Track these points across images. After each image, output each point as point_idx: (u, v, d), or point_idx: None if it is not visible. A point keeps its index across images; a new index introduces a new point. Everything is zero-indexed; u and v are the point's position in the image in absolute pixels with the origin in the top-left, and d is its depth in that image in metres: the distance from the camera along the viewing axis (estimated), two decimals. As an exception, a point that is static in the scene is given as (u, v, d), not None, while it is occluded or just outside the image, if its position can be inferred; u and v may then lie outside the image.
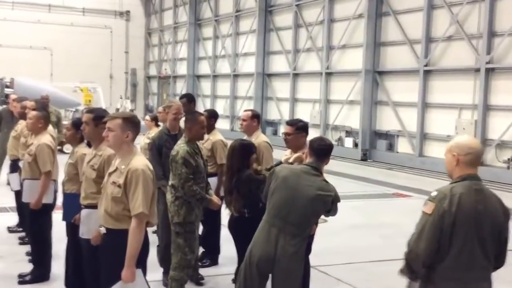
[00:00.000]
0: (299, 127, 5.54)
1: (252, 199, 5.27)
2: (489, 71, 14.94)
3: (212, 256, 6.98)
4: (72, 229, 5.45)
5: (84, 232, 4.82)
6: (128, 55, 33.55)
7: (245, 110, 6.66)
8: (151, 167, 4.18)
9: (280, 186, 4.45)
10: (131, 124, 4.20)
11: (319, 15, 20.65)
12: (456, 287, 3.33)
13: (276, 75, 23.40)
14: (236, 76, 25.82)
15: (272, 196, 4.48)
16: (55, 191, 6.36)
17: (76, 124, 5.64)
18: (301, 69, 21.79)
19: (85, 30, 30.99)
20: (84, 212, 4.88)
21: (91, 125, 4.93)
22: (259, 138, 6.29)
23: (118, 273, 3.99)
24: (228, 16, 26.29)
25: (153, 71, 33.73)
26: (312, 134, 8.64)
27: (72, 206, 5.47)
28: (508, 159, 14.56)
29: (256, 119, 6.50)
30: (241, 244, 5.27)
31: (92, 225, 4.72)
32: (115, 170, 4.19)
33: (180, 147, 5.54)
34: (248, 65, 24.70)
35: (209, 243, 6.97)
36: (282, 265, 4.38)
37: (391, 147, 18.20)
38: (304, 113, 20.59)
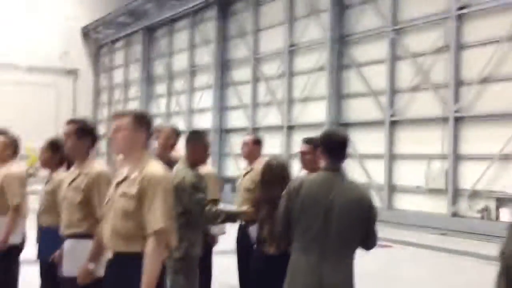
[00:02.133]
0: (316, 145, 4.84)
1: None
2: (458, 120, 14.78)
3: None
4: (49, 270, 4.50)
5: (68, 268, 3.89)
6: (76, 113, 32.38)
7: (247, 135, 5.95)
8: (170, 175, 3.37)
9: (306, 202, 3.63)
10: (145, 122, 3.41)
11: (278, 68, 20.37)
12: None
13: (234, 130, 22.80)
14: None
15: (299, 217, 3.65)
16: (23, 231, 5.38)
17: (53, 145, 4.77)
18: (260, 123, 21.29)
19: (30, 89, 29.78)
20: (68, 243, 3.98)
21: (73, 138, 4.09)
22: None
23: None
24: (183, 72, 25.80)
25: (102, 130, 32.61)
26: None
27: (49, 242, 4.54)
28: (482, 209, 14.21)
29: (258, 145, 5.79)
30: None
31: (79, 259, 3.83)
32: (124, 179, 3.35)
33: (184, 172, 4.71)
34: (205, 120, 24.07)
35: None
36: None
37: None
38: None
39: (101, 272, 3.83)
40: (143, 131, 3.39)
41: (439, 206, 15.15)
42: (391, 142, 16.36)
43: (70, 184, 4.06)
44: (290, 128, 19.86)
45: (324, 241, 3.55)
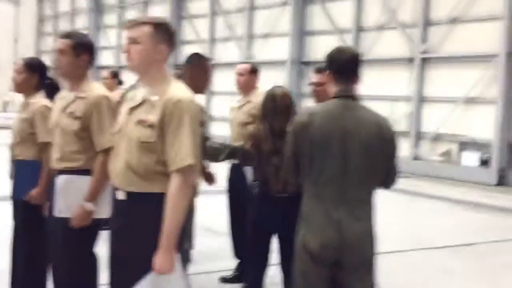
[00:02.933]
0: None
1: None
2: (424, 61, 14.53)
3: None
4: (25, 210, 3.92)
5: (62, 208, 3.32)
6: (18, 44, 30.64)
7: (241, 63, 5.37)
8: (197, 100, 2.81)
9: (317, 139, 3.06)
10: (165, 33, 2.82)
11: (238, 1, 19.54)
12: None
13: (189, 66, 21.94)
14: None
15: (311, 158, 3.09)
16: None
17: (31, 65, 4.10)
18: (219, 60, 20.54)
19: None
20: (61, 179, 3.38)
21: (70, 55, 3.45)
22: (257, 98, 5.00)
23: (146, 261, 2.60)
24: (136, 2, 24.53)
25: (47, 62, 30.99)
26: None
27: (25, 177, 3.94)
28: (444, 152, 14.18)
29: (255, 75, 5.24)
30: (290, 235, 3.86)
31: (73, 198, 3.28)
32: (140, 104, 2.78)
33: None
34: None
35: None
36: (354, 253, 3.12)
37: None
38: (221, 106, 19.34)
39: (100, 213, 3.29)
40: (165, 44, 2.81)
41: (401, 148, 15.05)
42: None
43: (64, 110, 3.44)
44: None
45: (342, 184, 3.05)
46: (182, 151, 2.65)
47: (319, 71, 4.39)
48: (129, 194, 2.74)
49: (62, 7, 29.77)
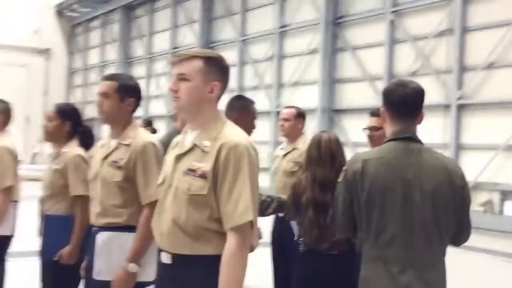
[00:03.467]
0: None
1: None
2: (461, 108, 14.11)
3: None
4: (55, 271, 3.57)
5: (102, 269, 2.96)
6: (48, 96, 30.93)
7: (286, 107, 5.05)
8: (254, 145, 2.47)
9: (375, 191, 2.63)
10: (218, 67, 2.51)
11: (267, 50, 19.45)
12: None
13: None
14: (172, 117, 24.00)
15: (368, 213, 2.66)
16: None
17: (64, 112, 3.83)
18: (247, 108, 20.32)
19: (0, 69, 28.27)
20: (102, 237, 3.04)
21: (114, 99, 3.16)
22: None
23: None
24: (164, 53, 24.67)
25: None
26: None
27: (57, 234, 3.61)
28: (485, 202, 13.58)
29: (302, 119, 4.91)
30: None
31: (115, 258, 2.92)
32: (190, 150, 2.44)
33: None
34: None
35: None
36: None
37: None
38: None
39: (144, 276, 2.92)
40: (218, 80, 2.50)
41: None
42: (387, 129, 15.62)
43: (105, 158, 3.12)
44: (279, 114, 18.96)
45: (407, 243, 2.61)
46: (241, 206, 2.29)
47: (374, 114, 4.04)
48: (177, 257, 2.38)
49: (92, 60, 30.12)
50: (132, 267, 2.93)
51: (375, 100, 15.97)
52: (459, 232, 2.76)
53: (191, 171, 2.37)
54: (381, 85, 15.75)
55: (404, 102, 2.72)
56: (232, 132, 2.43)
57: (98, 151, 3.29)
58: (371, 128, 4.01)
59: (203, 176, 2.34)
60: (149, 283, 2.98)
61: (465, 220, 2.75)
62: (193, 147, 2.44)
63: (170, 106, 23.70)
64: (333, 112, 17.26)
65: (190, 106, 2.47)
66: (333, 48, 17.32)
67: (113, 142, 3.20)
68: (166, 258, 2.39)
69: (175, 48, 24.06)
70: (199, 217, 2.34)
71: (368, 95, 16.28)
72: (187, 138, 2.50)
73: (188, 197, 2.35)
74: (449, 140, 14.19)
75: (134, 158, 3.10)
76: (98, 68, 29.29)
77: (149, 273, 2.94)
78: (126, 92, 3.22)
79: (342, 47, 17.21)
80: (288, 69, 18.83)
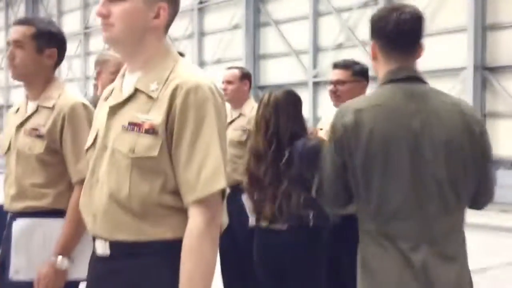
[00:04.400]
0: (357, 72, 3.48)
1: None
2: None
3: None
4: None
5: (21, 266, 2.28)
6: None
7: (229, 68, 4.44)
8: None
9: (374, 150, 2.06)
10: None
11: (186, 28, 18.70)
12: None
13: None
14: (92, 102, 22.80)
15: (367, 179, 2.08)
16: None
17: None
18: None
19: None
20: (19, 225, 2.35)
21: (30, 49, 2.61)
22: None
23: None
24: (75, 34, 23.35)
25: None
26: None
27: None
28: None
29: (247, 81, 4.31)
30: None
31: (38, 252, 2.24)
32: (130, 98, 1.82)
33: None
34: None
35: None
36: None
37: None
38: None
39: (77, 272, 2.25)
40: (166, 2, 1.86)
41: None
42: (314, 105, 15.34)
43: (21, 125, 2.45)
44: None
45: (420, 212, 2.07)
46: (208, 170, 1.68)
47: (338, 66, 3.52)
48: (117, 245, 1.73)
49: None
50: (61, 262, 2.27)
51: (301, 75, 15.65)
52: (480, 191, 2.22)
53: (134, 125, 1.72)
54: (306, 60, 15.44)
55: (401, 31, 2.14)
56: (189, 71, 1.78)
57: (11, 117, 2.61)
58: (336, 82, 3.46)
59: (151, 131, 1.70)
60: (83, 281, 2.34)
61: (486, 175, 2.19)
62: (135, 93, 1.78)
63: (86, 89, 22.53)
64: (258, 89, 16.78)
65: (128, 36, 1.78)
66: (256, 23, 16.86)
67: (32, 105, 2.54)
68: (102, 248, 1.76)
69: (87, 28, 22.85)
70: (148, 189, 1.71)
71: (293, 70, 15.93)
72: (125, 83, 1.85)
73: (131, 161, 1.71)
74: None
75: (59, 124, 2.47)
76: (4, 52, 27.46)
77: (83, 269, 2.29)
78: (45, 40, 2.56)
79: (265, 22, 16.76)
80: (209, 47, 18.21)
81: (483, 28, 12.22)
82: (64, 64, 22.84)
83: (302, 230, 3.10)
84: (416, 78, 2.18)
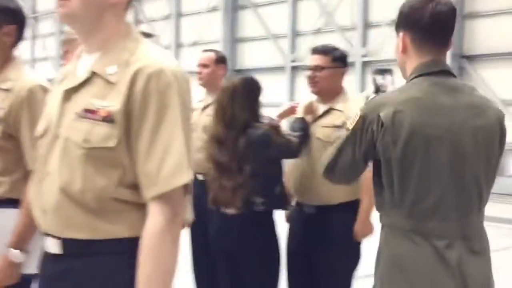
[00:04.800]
0: (337, 57, 3.39)
1: (270, 178, 3.12)
2: (364, 65, 13.93)
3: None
4: None
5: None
6: None
7: (204, 50, 4.30)
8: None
9: (416, 144, 1.98)
10: None
11: (163, 9, 18.45)
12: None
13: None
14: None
15: (405, 173, 2.00)
16: None
17: None
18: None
19: None
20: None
21: None
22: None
23: None
24: (50, 12, 22.90)
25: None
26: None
27: None
28: None
29: (223, 65, 4.19)
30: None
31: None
32: (85, 82, 1.65)
33: None
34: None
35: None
36: None
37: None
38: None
39: (31, 267, 2.12)
40: None
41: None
42: (292, 90, 15.25)
43: None
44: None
45: (458, 208, 2.02)
46: (169, 162, 1.54)
47: (317, 51, 3.41)
48: (69, 244, 1.60)
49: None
50: (16, 254, 2.11)
51: (279, 59, 15.54)
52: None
53: (89, 112, 1.58)
54: (285, 44, 15.33)
55: (437, 23, 2.06)
56: (151, 54, 1.62)
57: None
58: (314, 68, 3.35)
59: (108, 119, 1.56)
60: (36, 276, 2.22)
61: (495, 172, 2.16)
62: (91, 76, 1.63)
63: (60, 69, 22.16)
64: (235, 73, 16.64)
65: (85, 12, 1.62)
66: (234, 5, 16.69)
67: None
68: (53, 246, 1.62)
69: (35, 13, 22.59)
70: (104, 182, 1.57)
71: (271, 54, 15.82)
72: (81, 65, 1.69)
73: (86, 152, 1.57)
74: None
75: (16, 108, 2.31)
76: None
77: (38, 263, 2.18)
78: (2, 17, 2.39)
79: (243, 5, 16.60)
80: (187, 29, 18.00)
81: (461, 17, 12.22)
82: (38, 43, 22.53)
83: (251, 216, 3.09)
84: (449, 72, 2.11)
